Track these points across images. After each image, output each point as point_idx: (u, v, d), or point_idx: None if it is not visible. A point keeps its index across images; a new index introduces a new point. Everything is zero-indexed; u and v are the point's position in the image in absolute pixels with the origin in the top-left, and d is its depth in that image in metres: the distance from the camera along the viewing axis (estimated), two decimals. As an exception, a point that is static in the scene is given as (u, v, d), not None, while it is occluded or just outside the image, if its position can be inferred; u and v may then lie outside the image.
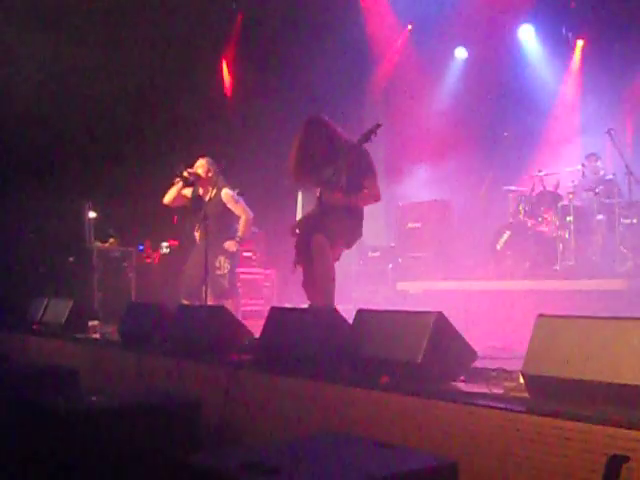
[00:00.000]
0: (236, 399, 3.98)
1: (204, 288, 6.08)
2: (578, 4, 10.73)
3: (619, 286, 7.59)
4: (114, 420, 3.32)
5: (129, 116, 10.16)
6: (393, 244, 10.71)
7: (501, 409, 2.71)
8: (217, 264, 6.63)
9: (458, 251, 10.18)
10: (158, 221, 9.61)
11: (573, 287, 7.92)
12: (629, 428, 2.32)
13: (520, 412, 2.65)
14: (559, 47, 11.45)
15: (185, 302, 6.58)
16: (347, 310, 4.12)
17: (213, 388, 4.13)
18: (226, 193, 6.74)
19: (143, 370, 4.88)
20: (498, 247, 9.47)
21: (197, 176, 6.79)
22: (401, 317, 3.60)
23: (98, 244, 9.60)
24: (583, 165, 9.51)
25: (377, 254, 10.68)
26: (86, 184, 9.58)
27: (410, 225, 10.42)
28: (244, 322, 4.99)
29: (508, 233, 9.43)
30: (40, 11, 9.05)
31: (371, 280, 10.53)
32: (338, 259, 5.25)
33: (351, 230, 5.26)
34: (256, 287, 10.16)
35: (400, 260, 10.39)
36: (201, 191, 6.86)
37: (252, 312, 8.47)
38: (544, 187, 9.51)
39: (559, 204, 9.06)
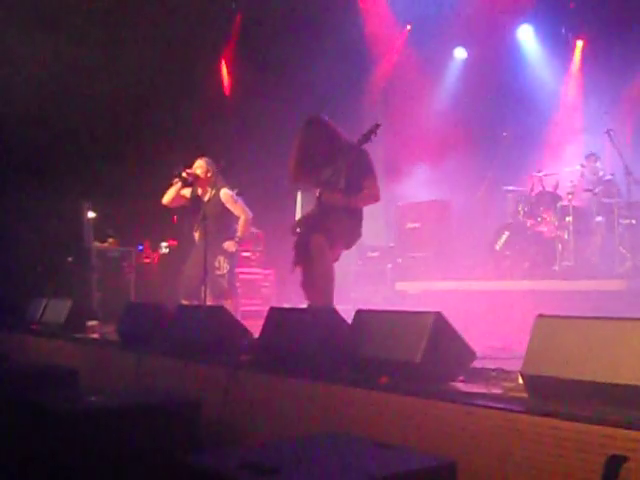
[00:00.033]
0: (235, 399, 3.98)
1: (203, 288, 6.08)
2: (577, 4, 10.75)
3: (618, 286, 7.60)
4: (113, 420, 3.32)
5: (128, 116, 10.16)
6: (392, 244, 10.72)
7: (500, 409, 2.71)
8: (216, 264, 6.64)
9: (457, 251, 10.19)
10: (157, 221, 9.62)
11: (572, 287, 7.93)
12: (628, 428, 2.32)
13: (519, 412, 2.65)
14: (558, 47, 11.47)
15: (184, 302, 6.58)
16: (346, 310, 4.12)
17: (212, 388, 4.13)
18: (225, 193, 6.74)
19: (142, 370, 4.87)
20: (497, 247, 9.49)
21: (196, 176, 6.79)
22: (400, 317, 3.60)
23: (97, 244, 9.61)
24: (582, 165, 9.52)
25: (376, 254, 10.69)
26: (85, 184, 9.58)
27: (409, 225, 10.43)
28: (243, 322, 4.99)
29: (507, 233, 9.44)
30: (40, 11, 9.05)
31: (370, 280, 10.54)
32: (337, 259, 5.25)
33: (350, 231, 5.26)
34: (255, 287, 10.16)
35: (399, 260, 10.40)
36: (200, 191, 6.86)
37: (251, 312, 8.46)
38: (543, 187, 9.52)
39: (558, 204, 9.07)
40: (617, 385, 2.53)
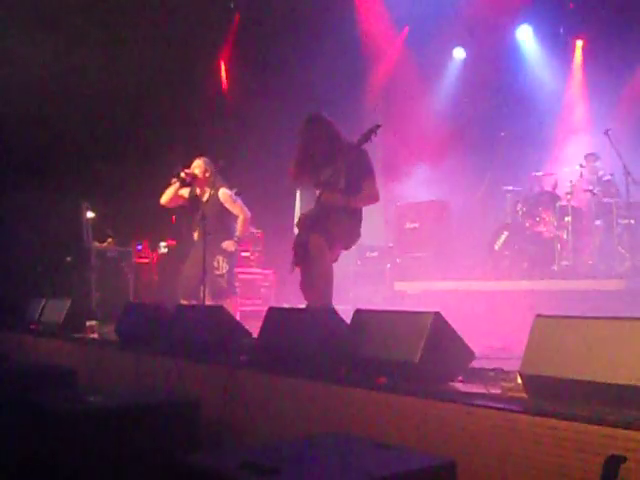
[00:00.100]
0: (234, 399, 3.98)
1: (202, 288, 6.08)
2: (576, 4, 10.75)
3: (617, 286, 7.60)
4: (112, 420, 3.32)
5: (127, 116, 10.16)
6: (391, 244, 10.72)
7: (499, 409, 2.71)
8: (215, 264, 6.63)
9: (456, 251, 10.19)
10: (156, 221, 9.61)
11: (571, 287, 7.94)
12: (626, 428, 2.32)
13: (518, 412, 2.65)
14: (557, 47, 11.47)
15: (183, 302, 6.58)
16: (345, 310, 4.13)
17: (212, 388, 4.14)
18: (224, 193, 6.73)
19: (141, 370, 4.87)
20: (496, 247, 9.49)
21: (194, 176, 6.78)
22: (399, 317, 3.61)
23: (96, 244, 9.60)
24: (581, 165, 9.52)
25: (375, 254, 10.69)
26: (84, 184, 9.58)
27: (408, 225, 10.43)
28: (242, 322, 4.99)
29: (506, 233, 9.45)
30: (40, 11, 9.05)
31: (369, 280, 10.54)
32: (336, 260, 5.25)
33: (350, 231, 5.26)
34: (254, 287, 10.16)
35: (398, 260, 10.40)
36: (198, 191, 6.86)
37: (250, 312, 8.48)
38: (542, 187, 9.53)
39: (557, 204, 9.08)
40: (616, 385, 2.53)
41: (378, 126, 5.03)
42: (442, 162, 10.65)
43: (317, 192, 5.27)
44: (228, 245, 6.71)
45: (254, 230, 10.02)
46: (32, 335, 6.90)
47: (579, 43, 11.66)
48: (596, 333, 2.70)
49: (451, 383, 3.29)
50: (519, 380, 2.93)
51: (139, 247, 10.64)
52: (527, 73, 11.73)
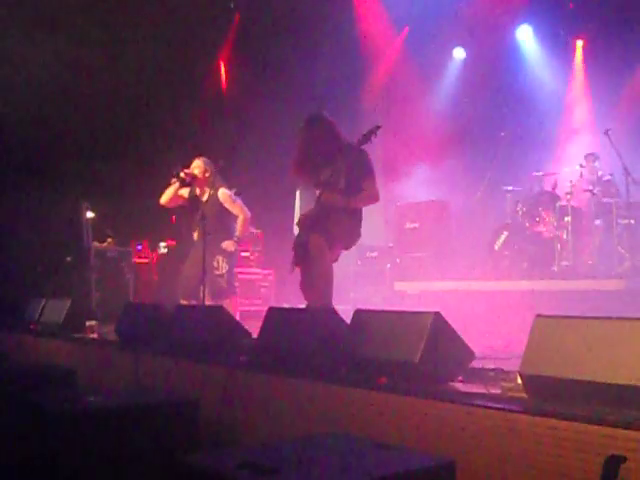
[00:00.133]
0: (234, 399, 3.98)
1: (202, 288, 6.08)
2: (576, 4, 10.75)
3: (616, 286, 7.60)
4: (112, 420, 3.32)
5: (127, 116, 10.16)
6: (391, 244, 10.72)
7: (499, 409, 2.71)
8: (215, 264, 6.63)
9: (456, 251, 10.19)
10: (156, 221, 9.61)
11: (571, 287, 7.94)
12: (626, 428, 2.32)
13: (518, 412, 2.65)
14: (557, 47, 11.47)
15: (183, 302, 6.58)
16: (345, 310, 4.13)
17: (211, 388, 4.14)
18: (223, 193, 6.73)
19: (141, 370, 4.87)
20: (496, 247, 9.49)
21: (194, 176, 6.78)
22: (399, 317, 3.60)
23: (96, 244, 9.59)
24: (581, 165, 9.52)
25: (375, 254, 10.69)
26: (84, 184, 9.58)
27: (408, 225, 10.42)
28: (242, 322, 4.99)
29: (506, 233, 9.45)
30: (40, 11, 9.05)
31: (369, 280, 10.54)
32: (336, 260, 5.25)
33: (350, 231, 5.26)
34: (254, 287, 10.16)
35: (398, 260, 10.40)
36: (198, 191, 6.86)
37: (250, 312, 8.48)
38: (542, 187, 9.53)
39: (557, 204, 9.08)
40: (616, 385, 2.53)
41: (378, 127, 5.03)
42: (442, 162, 10.64)
43: (317, 192, 5.27)
44: (228, 245, 6.71)
45: (254, 230, 10.01)
46: (32, 335, 6.91)
47: (579, 43, 11.66)
48: (596, 333, 2.70)
49: (451, 383, 3.29)
50: (519, 380, 2.93)
51: (139, 247, 10.64)
52: (527, 73, 11.73)
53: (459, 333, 3.40)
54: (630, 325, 2.62)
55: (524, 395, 2.87)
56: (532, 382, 2.84)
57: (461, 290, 8.83)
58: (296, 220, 5.50)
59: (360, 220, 5.33)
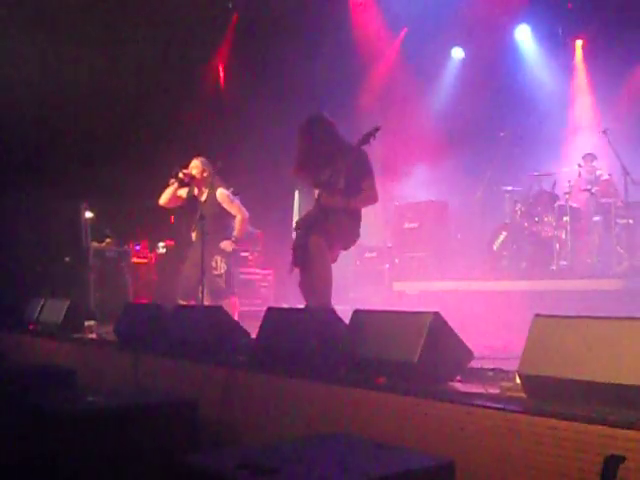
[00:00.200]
0: (233, 399, 3.98)
1: (201, 288, 6.08)
2: (575, 4, 10.76)
3: (615, 286, 7.61)
4: (111, 420, 3.32)
5: (125, 116, 10.16)
6: (390, 244, 10.72)
7: (498, 409, 2.71)
8: (213, 264, 6.62)
9: (455, 251, 10.20)
10: (155, 221, 9.61)
11: (569, 287, 7.95)
12: (625, 428, 2.32)
13: (517, 412, 2.65)
14: (556, 47, 11.48)
15: (182, 302, 6.58)
16: (344, 310, 4.13)
17: (210, 388, 4.14)
18: (221, 193, 6.73)
19: (140, 370, 4.87)
20: (495, 247, 9.50)
21: (192, 177, 6.76)
22: (398, 317, 3.61)
23: (95, 244, 9.59)
24: (580, 165, 9.53)
25: (374, 254, 10.70)
26: (83, 184, 9.58)
27: (407, 225, 10.43)
28: (241, 322, 4.99)
29: (505, 233, 9.46)
30: (40, 11, 9.05)
31: (368, 280, 10.55)
32: (335, 260, 5.26)
33: (349, 232, 5.27)
34: (253, 287, 10.17)
35: (397, 260, 10.40)
36: (196, 191, 6.85)
37: (249, 312, 8.47)
38: (541, 187, 9.53)
39: (556, 204, 9.09)
40: (615, 385, 2.53)
41: (377, 128, 5.03)
42: (441, 162, 10.64)
43: (316, 192, 5.27)
44: (226, 245, 6.71)
45: (253, 230, 10.01)
46: (31, 335, 6.90)
47: (579, 43, 11.67)
48: (595, 333, 2.70)
49: (450, 383, 3.29)
50: (518, 380, 2.93)
51: (137, 247, 10.64)
52: (526, 73, 11.75)
53: (458, 333, 3.40)
54: (629, 325, 2.63)
55: (523, 395, 2.87)
56: (531, 382, 2.85)
57: (460, 290, 8.84)
58: (295, 220, 5.50)
59: (359, 220, 5.33)
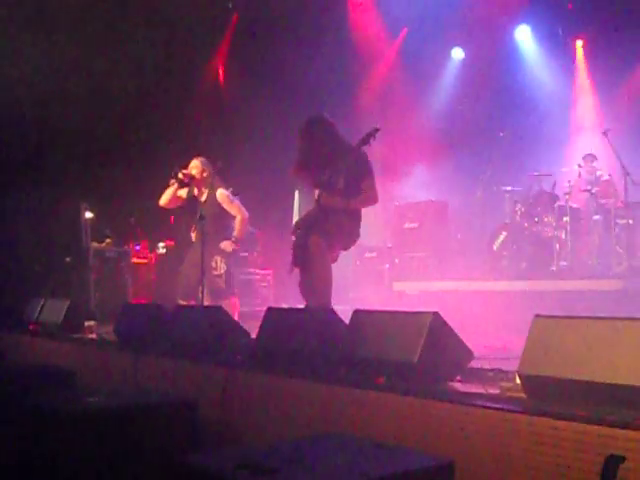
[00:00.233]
0: (233, 399, 3.98)
1: (201, 288, 6.08)
2: (575, 5, 10.76)
3: (615, 286, 7.61)
4: (111, 420, 3.32)
5: (125, 116, 10.16)
6: (390, 244, 10.72)
7: (497, 409, 2.72)
8: (213, 264, 6.62)
9: (455, 251, 10.20)
10: (155, 221, 9.61)
11: (569, 287, 7.94)
12: (624, 428, 2.33)
13: (517, 412, 2.65)
14: (556, 48, 11.48)
15: (182, 302, 6.58)
16: (344, 311, 4.13)
17: (210, 388, 4.14)
18: (221, 193, 6.72)
19: (140, 370, 4.87)
20: (495, 248, 9.50)
21: (192, 177, 6.76)
22: (398, 317, 3.61)
23: (95, 244, 9.59)
24: (579, 166, 9.53)
25: (374, 254, 10.69)
26: (83, 184, 9.58)
27: (407, 225, 10.42)
28: (241, 323, 4.99)
29: (505, 234, 9.46)
30: (40, 11, 9.05)
31: (368, 281, 10.54)
32: (335, 260, 5.26)
33: (349, 232, 5.27)
34: (253, 288, 10.16)
35: (397, 260, 10.40)
36: (196, 192, 6.85)
37: (249, 312, 8.47)
38: (541, 187, 9.53)
39: (556, 205, 9.08)
40: (614, 385, 2.53)
41: (377, 129, 5.02)
42: (441, 162, 10.65)
43: (316, 193, 5.27)
44: (226, 245, 6.70)
45: (252, 230, 10.01)
46: (31, 335, 6.90)
47: (579, 43, 11.67)
48: (595, 333, 2.70)
49: (450, 383, 3.29)
50: (518, 380, 2.93)
51: (137, 248, 10.64)
52: (526, 73, 11.74)
53: (458, 333, 3.40)
54: (628, 325, 2.63)
55: (523, 395, 2.88)
56: (531, 382, 2.85)
57: (460, 290, 8.83)
58: (295, 220, 5.50)
59: (359, 221, 5.33)
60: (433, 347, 3.26)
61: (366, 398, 3.25)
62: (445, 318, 3.37)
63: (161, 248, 10.69)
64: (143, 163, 9.98)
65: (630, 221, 8.50)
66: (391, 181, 10.53)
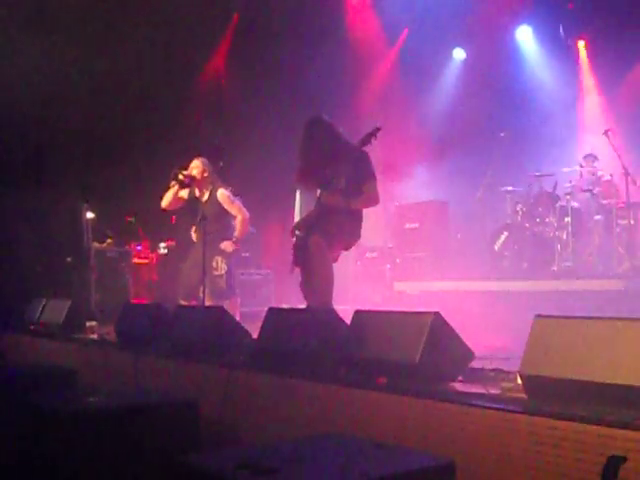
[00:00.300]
0: (234, 399, 3.98)
1: (202, 289, 6.08)
2: (576, 5, 10.75)
3: (616, 286, 7.61)
4: (112, 420, 3.32)
5: (125, 116, 10.16)
6: (391, 245, 10.72)
7: (498, 409, 2.71)
8: (214, 264, 6.61)
9: (456, 251, 10.20)
10: (156, 222, 9.61)
11: (570, 287, 7.94)
12: (625, 428, 2.32)
13: (517, 412, 2.65)
14: (557, 48, 11.47)
15: (183, 302, 6.58)
16: (345, 311, 4.13)
17: (211, 389, 4.14)
18: (222, 193, 6.72)
19: (141, 370, 4.87)
20: (496, 248, 9.50)
21: (192, 177, 6.76)
22: (399, 317, 3.61)
23: (96, 245, 9.59)
24: (581, 166, 9.53)
25: (375, 255, 10.69)
26: (84, 185, 9.57)
27: (408, 225, 10.43)
28: (242, 323, 4.99)
29: (506, 234, 9.46)
30: (40, 11, 9.05)
31: (369, 281, 10.54)
32: (336, 260, 5.26)
33: (350, 232, 5.26)
34: (254, 288, 10.15)
35: (398, 260, 10.40)
36: (197, 192, 6.85)
37: (250, 313, 8.46)
38: (542, 188, 9.53)
39: (557, 205, 9.08)
40: (615, 385, 2.53)
41: (378, 129, 5.02)
42: (442, 162, 10.64)
43: (317, 193, 5.26)
44: (226, 246, 6.70)
45: (253, 230, 10.01)
46: (32, 336, 6.90)
47: (581, 44, 11.66)
48: (596, 333, 2.70)
49: (451, 383, 3.29)
50: (519, 380, 2.93)
51: (138, 248, 10.64)
52: (527, 73, 11.74)
53: (459, 333, 3.40)
54: (630, 325, 2.63)
55: (524, 395, 2.87)
56: (532, 382, 2.85)
57: (461, 290, 8.84)
58: (296, 220, 5.50)
59: (360, 221, 5.32)
60: (434, 347, 3.25)
61: (366, 398, 3.25)
62: (446, 318, 3.37)
63: (162, 248, 10.70)
64: (143, 163, 9.98)
65: (631, 221, 8.50)
66: (392, 181, 10.52)
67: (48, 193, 9.09)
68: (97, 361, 5.60)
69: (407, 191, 10.93)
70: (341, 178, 5.14)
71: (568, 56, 11.58)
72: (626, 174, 8.50)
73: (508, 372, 3.24)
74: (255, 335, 4.42)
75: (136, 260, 10.36)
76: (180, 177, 6.68)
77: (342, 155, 5.16)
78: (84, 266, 9.16)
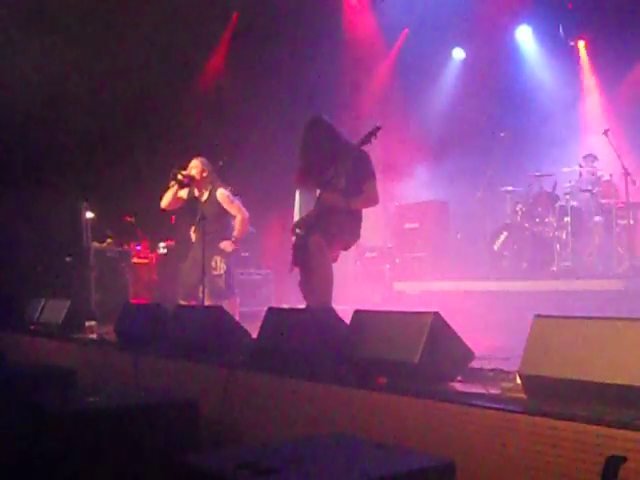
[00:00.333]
0: (233, 399, 3.98)
1: (201, 288, 6.08)
2: (576, 5, 10.75)
3: (616, 286, 7.61)
4: (111, 421, 3.32)
5: (125, 116, 10.16)
6: (390, 244, 10.72)
7: (498, 409, 2.71)
8: (213, 264, 6.61)
9: (455, 251, 10.20)
10: (155, 221, 9.61)
11: (570, 287, 7.95)
12: (625, 428, 2.32)
13: (517, 412, 2.65)
14: (556, 48, 11.48)
15: (182, 302, 6.58)
16: (344, 310, 4.13)
17: (210, 388, 4.14)
18: (221, 193, 6.72)
19: (140, 370, 4.87)
20: (495, 248, 9.51)
21: (191, 177, 6.76)
22: (398, 317, 3.61)
23: (95, 244, 9.59)
24: (580, 166, 9.53)
25: (374, 254, 10.69)
26: (83, 184, 9.58)
27: (407, 225, 10.43)
28: (242, 322, 4.99)
29: (505, 234, 9.46)
30: (39, 11, 9.05)
31: (368, 280, 10.54)
32: (336, 260, 5.26)
33: (349, 232, 5.27)
34: (253, 287, 10.15)
35: (397, 260, 10.41)
36: (197, 192, 6.85)
37: (250, 313, 8.46)
38: (541, 188, 9.53)
39: (556, 205, 9.09)
40: (615, 385, 2.53)
41: (378, 128, 5.02)
42: (442, 162, 10.64)
43: (317, 192, 5.27)
44: (226, 245, 6.70)
45: (253, 230, 10.00)
46: (31, 335, 6.90)
47: (581, 44, 11.66)
48: (595, 333, 2.70)
49: (450, 383, 3.29)
50: (518, 380, 2.93)
51: (138, 248, 10.64)
52: (526, 73, 11.74)
53: (458, 333, 3.40)
54: (629, 325, 2.63)
55: (523, 395, 2.87)
56: (531, 382, 2.85)
57: (461, 290, 8.84)
58: (296, 220, 5.50)
59: (360, 221, 5.32)
60: (434, 347, 3.25)
61: (367, 398, 3.25)
62: (446, 318, 3.37)
63: (162, 248, 10.69)
64: (143, 163, 9.98)
65: (631, 221, 8.51)
66: (392, 181, 10.52)
67: (48, 193, 9.09)
68: (97, 361, 5.60)
69: (407, 191, 10.93)
70: (341, 178, 5.14)
71: (568, 56, 11.59)
72: (626, 174, 8.50)
73: (508, 372, 3.24)
74: (255, 335, 4.42)
75: (136, 260, 10.36)
76: (179, 177, 6.68)
77: (342, 155, 5.16)
78: (84, 266, 9.17)
